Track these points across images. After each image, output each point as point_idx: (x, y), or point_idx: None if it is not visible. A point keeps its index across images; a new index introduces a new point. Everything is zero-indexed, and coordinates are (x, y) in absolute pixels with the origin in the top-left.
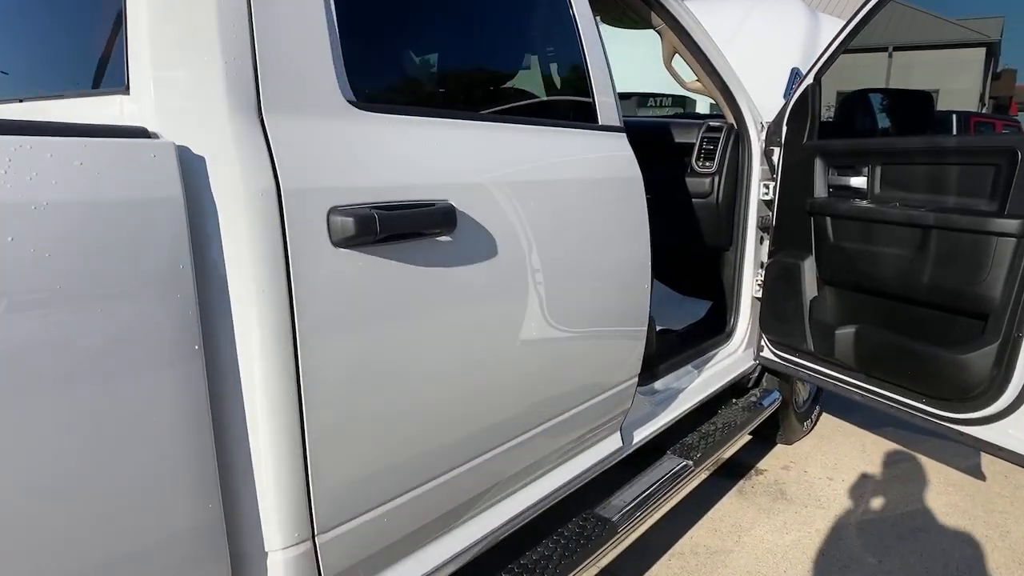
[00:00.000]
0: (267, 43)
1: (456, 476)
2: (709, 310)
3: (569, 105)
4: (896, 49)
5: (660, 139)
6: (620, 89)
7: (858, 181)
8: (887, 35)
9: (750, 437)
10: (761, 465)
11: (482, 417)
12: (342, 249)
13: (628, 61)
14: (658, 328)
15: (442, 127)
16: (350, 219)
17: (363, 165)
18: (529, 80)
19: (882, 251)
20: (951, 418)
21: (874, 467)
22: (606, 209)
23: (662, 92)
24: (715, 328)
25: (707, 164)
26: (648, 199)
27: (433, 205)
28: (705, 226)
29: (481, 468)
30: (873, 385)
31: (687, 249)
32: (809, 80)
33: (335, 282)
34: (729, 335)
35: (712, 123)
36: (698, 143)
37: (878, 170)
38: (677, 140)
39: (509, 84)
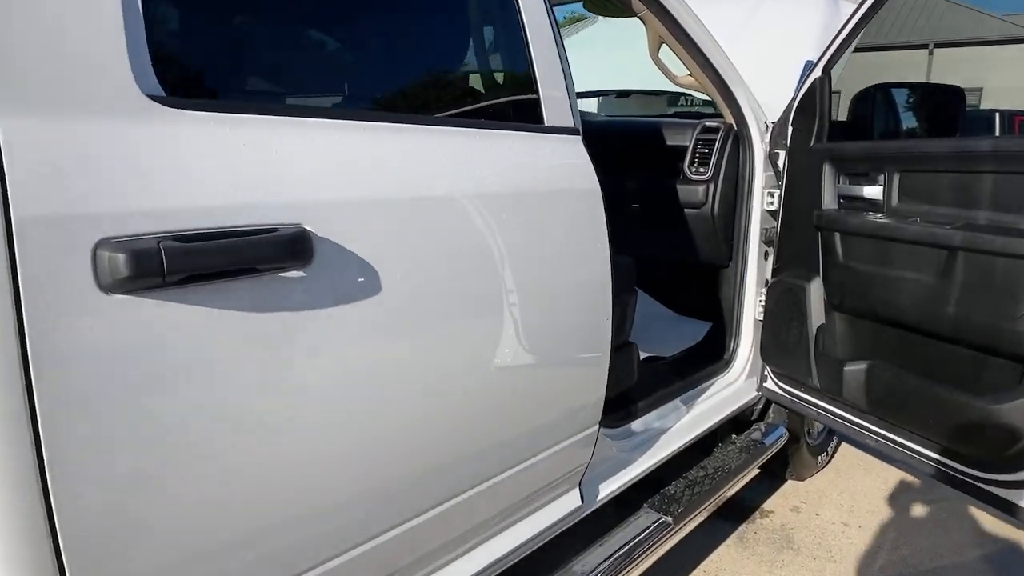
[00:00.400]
0: (13, 13)
1: (339, 566)
2: (706, 333)
3: (502, 100)
4: (937, 46)
5: (648, 141)
6: (652, 86)
7: (872, 191)
8: (928, 31)
9: (757, 471)
10: (767, 505)
11: (362, 495)
12: (118, 296)
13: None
14: (643, 356)
15: (302, 129)
16: (121, 255)
17: (167, 181)
18: (446, 67)
19: (899, 275)
20: (980, 477)
21: (897, 510)
22: (548, 229)
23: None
24: (712, 354)
25: (701, 170)
26: (635, 208)
27: (275, 231)
28: (698, 240)
29: (371, 555)
30: (889, 431)
31: (682, 264)
32: (817, 73)
33: (107, 341)
34: (728, 363)
35: (708, 123)
36: (692, 146)
37: (895, 178)
38: (668, 143)
39: (412, 72)
